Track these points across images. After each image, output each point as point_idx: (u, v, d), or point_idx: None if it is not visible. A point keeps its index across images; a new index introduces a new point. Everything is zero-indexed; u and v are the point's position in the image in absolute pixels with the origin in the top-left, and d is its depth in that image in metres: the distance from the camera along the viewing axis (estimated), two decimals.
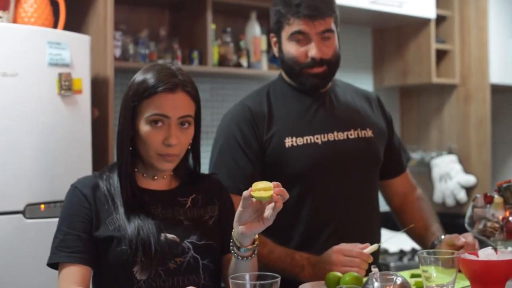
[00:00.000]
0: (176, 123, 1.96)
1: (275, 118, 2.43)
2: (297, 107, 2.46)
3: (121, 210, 1.95)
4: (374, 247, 2.18)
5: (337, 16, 2.45)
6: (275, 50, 2.51)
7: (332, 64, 2.43)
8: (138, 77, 1.98)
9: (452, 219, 2.70)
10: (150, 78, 1.95)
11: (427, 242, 2.52)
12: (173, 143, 1.94)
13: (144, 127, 1.95)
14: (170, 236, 1.96)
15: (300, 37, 2.37)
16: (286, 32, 2.40)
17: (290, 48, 2.40)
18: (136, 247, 1.89)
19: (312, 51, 2.37)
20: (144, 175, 2.04)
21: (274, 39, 2.50)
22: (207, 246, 2.02)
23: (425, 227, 2.57)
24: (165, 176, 2.06)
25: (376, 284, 1.77)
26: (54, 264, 1.95)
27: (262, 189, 1.77)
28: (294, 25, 2.36)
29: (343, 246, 2.19)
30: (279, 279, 1.68)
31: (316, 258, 2.23)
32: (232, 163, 2.38)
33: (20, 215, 2.94)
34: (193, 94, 2.00)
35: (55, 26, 3.25)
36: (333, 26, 2.41)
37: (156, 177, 2.05)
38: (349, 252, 2.15)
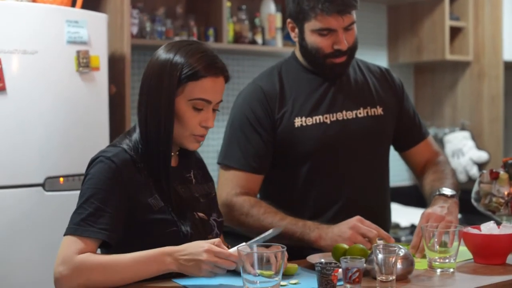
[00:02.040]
0: (212, 107, 2.00)
1: (286, 98, 2.46)
2: (308, 87, 2.49)
3: (155, 188, 1.95)
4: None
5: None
6: (292, 34, 2.50)
7: (352, 52, 2.47)
8: (178, 57, 1.95)
9: (465, 194, 2.71)
10: (198, 61, 1.94)
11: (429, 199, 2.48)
12: (211, 127, 1.99)
13: (185, 108, 1.95)
14: (201, 215, 2.02)
15: (327, 32, 2.39)
16: (312, 25, 2.39)
17: (315, 39, 2.41)
18: (188, 227, 1.93)
19: (339, 44, 2.39)
20: None
21: (291, 25, 2.49)
22: (222, 222, 2.12)
23: (433, 188, 2.50)
24: (177, 153, 2.10)
25: (379, 255, 1.84)
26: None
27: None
28: (323, 21, 2.36)
29: (361, 227, 2.19)
30: (285, 249, 1.76)
31: (327, 226, 2.26)
32: (245, 141, 2.43)
33: (40, 188, 3.05)
34: (228, 78, 2.03)
35: (73, 5, 3.32)
36: (355, 16, 2.44)
37: (172, 154, 2.05)
38: (366, 233, 2.18)
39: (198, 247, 1.79)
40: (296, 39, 2.50)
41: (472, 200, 2.63)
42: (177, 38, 4.05)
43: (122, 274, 1.82)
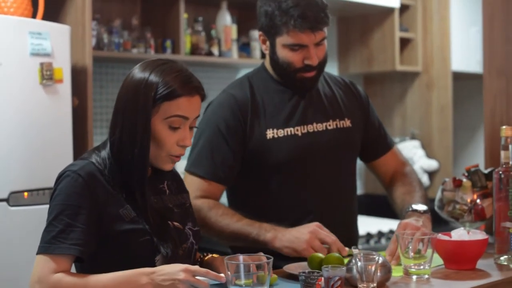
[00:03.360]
0: (189, 125, 1.99)
1: (258, 109, 2.49)
2: (279, 98, 2.52)
3: (126, 199, 1.94)
4: (349, 251, 2.25)
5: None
6: (263, 47, 2.53)
7: (322, 66, 2.50)
8: (153, 77, 1.93)
9: None
10: (173, 81, 1.92)
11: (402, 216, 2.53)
12: (188, 145, 1.99)
13: (160, 127, 1.94)
14: (176, 224, 2.02)
15: (298, 47, 2.42)
16: (283, 40, 2.42)
17: (286, 54, 2.43)
18: (161, 237, 1.94)
19: (310, 59, 2.42)
20: None
21: (262, 38, 2.51)
22: (198, 231, 2.12)
23: (405, 201, 2.58)
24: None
25: (360, 263, 1.88)
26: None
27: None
28: (295, 37, 2.39)
29: (320, 232, 2.25)
30: (271, 260, 1.79)
31: (284, 228, 2.30)
32: (214, 151, 2.44)
33: (4, 203, 3.00)
34: (204, 96, 2.03)
35: (33, 16, 3.29)
36: (326, 32, 2.46)
37: None
38: (324, 238, 2.24)
39: (175, 267, 1.80)
40: (267, 52, 2.52)
41: (436, 208, 2.70)
42: (134, 50, 4.04)
43: None
